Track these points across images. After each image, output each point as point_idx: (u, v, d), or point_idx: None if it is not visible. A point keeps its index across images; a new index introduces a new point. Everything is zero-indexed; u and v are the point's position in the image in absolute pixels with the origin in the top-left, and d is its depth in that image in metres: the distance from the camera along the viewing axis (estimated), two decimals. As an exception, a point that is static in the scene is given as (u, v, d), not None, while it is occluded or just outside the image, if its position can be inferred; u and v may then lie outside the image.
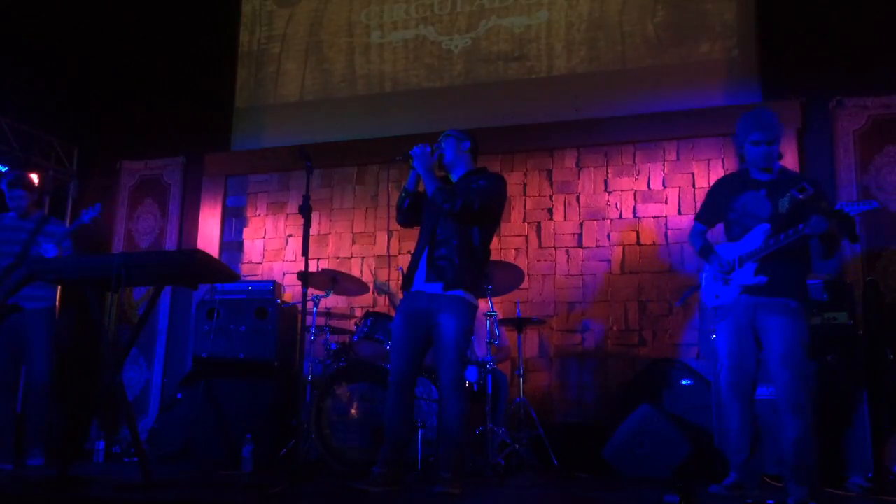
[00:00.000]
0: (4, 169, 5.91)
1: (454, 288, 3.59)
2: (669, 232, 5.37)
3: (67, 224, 6.22)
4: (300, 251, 3.86)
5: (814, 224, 3.31)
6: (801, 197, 3.40)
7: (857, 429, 4.07)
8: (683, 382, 4.75)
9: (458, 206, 3.59)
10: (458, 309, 3.58)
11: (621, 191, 5.55)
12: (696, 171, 5.41)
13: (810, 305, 3.63)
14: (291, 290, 5.96)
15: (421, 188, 3.81)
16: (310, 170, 3.89)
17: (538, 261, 5.61)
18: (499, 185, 3.76)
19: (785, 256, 3.47)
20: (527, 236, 5.68)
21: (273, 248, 6.28)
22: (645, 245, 5.41)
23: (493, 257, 5.42)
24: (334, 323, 5.24)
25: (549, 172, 5.74)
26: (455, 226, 3.66)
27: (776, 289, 3.47)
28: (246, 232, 6.39)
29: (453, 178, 3.84)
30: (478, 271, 3.70)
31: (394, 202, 3.99)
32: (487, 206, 3.65)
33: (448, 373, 3.58)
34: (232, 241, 6.41)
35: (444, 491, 3.43)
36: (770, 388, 4.17)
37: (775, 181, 3.60)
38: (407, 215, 3.88)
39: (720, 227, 3.85)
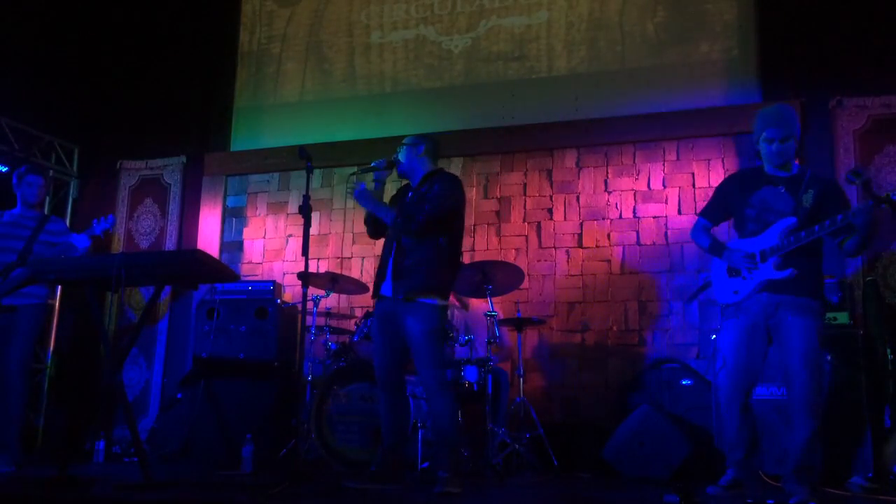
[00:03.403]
0: (5, 169, 5.91)
1: (417, 297, 3.65)
2: (669, 232, 5.36)
3: (67, 222, 6.23)
4: (300, 251, 3.87)
5: (861, 212, 3.19)
6: (855, 181, 3.27)
7: (857, 429, 4.07)
8: (683, 382, 4.75)
9: (413, 232, 3.67)
10: (420, 311, 3.64)
11: (621, 191, 5.55)
12: (696, 171, 5.41)
13: (825, 305, 3.57)
14: (291, 290, 5.96)
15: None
16: (310, 170, 3.90)
17: (538, 261, 5.61)
18: (451, 187, 3.80)
19: (806, 254, 3.39)
20: (527, 236, 5.68)
21: (273, 248, 6.28)
22: (645, 245, 5.41)
23: (493, 257, 5.47)
24: (334, 323, 5.24)
25: (549, 172, 5.74)
26: None
27: (801, 287, 3.38)
28: (246, 232, 6.39)
29: (413, 183, 3.92)
30: (445, 273, 3.74)
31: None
32: (439, 215, 3.68)
33: (425, 374, 3.66)
34: (232, 241, 6.41)
35: (443, 491, 3.44)
36: (770, 388, 4.19)
37: (794, 177, 3.51)
38: (374, 228, 4.01)
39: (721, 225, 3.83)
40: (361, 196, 3.84)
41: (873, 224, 3.23)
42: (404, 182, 4.03)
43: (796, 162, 3.58)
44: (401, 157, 3.92)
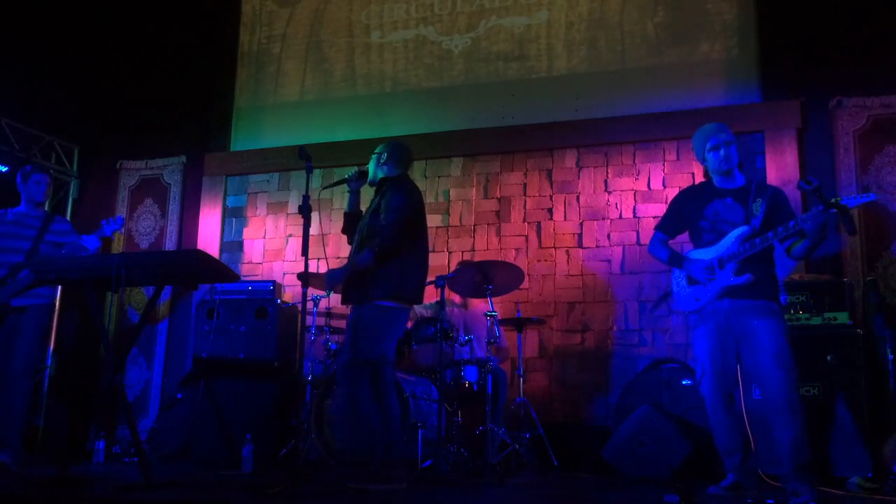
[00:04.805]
0: (5, 169, 5.90)
1: (368, 301, 3.73)
2: (669, 232, 5.36)
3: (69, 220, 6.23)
4: (300, 251, 3.87)
5: (811, 218, 3.31)
6: (807, 188, 3.35)
7: (857, 429, 4.07)
8: (683, 382, 4.74)
9: (377, 260, 3.69)
10: (362, 310, 3.74)
11: (621, 191, 5.55)
12: (695, 171, 5.40)
13: (783, 307, 3.67)
14: (291, 290, 5.96)
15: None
16: (310, 170, 3.91)
17: (538, 261, 5.61)
18: (402, 198, 3.82)
19: (760, 260, 3.51)
20: (527, 236, 5.68)
21: (273, 248, 6.28)
22: (645, 245, 5.38)
23: (493, 257, 5.47)
24: (334, 323, 5.24)
25: (549, 172, 5.74)
26: None
27: (759, 291, 3.49)
28: (246, 232, 6.39)
29: None
30: (404, 277, 3.78)
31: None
32: (396, 235, 3.72)
33: (340, 359, 3.80)
34: (232, 241, 6.41)
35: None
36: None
37: (741, 188, 3.64)
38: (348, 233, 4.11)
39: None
40: (332, 278, 3.82)
41: (822, 229, 3.35)
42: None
43: (739, 171, 3.70)
44: (370, 169, 4.02)
